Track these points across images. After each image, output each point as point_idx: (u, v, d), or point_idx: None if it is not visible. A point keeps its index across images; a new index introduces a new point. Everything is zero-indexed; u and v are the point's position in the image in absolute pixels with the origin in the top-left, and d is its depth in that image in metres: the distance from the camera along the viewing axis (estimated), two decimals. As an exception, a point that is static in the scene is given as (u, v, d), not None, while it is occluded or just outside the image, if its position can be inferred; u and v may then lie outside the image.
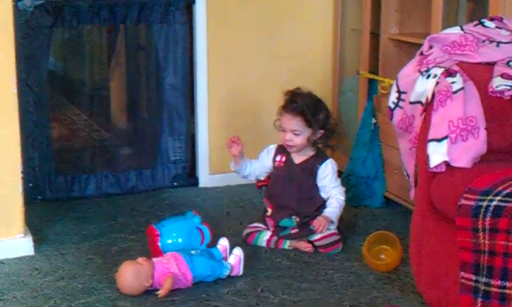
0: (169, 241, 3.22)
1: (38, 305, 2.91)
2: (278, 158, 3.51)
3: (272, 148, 3.55)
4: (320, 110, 3.43)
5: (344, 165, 4.28)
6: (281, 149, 3.52)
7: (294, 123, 3.41)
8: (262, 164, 3.55)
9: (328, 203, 3.46)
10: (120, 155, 4.59)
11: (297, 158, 3.49)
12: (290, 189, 3.45)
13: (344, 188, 3.54)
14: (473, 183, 2.53)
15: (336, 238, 3.43)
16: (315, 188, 3.46)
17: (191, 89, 4.35)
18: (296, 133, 3.41)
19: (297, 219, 3.44)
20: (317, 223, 3.38)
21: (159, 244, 3.21)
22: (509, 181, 2.48)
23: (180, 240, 3.23)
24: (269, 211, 3.51)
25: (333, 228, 3.43)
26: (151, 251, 3.25)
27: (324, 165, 3.46)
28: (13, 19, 3.23)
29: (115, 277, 3.04)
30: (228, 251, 3.21)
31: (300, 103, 3.40)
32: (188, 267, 3.04)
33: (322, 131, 3.44)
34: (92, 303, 2.93)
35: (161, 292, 2.96)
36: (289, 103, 3.43)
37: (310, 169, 3.46)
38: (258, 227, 3.50)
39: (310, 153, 3.48)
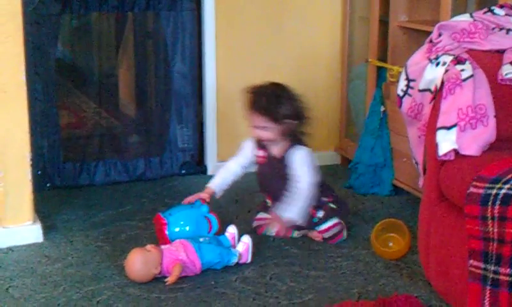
0: (177, 229, 3.23)
1: (47, 292, 2.92)
2: (259, 153, 3.47)
3: (250, 141, 3.49)
4: (283, 103, 3.33)
5: (352, 153, 4.28)
6: (260, 144, 3.46)
7: (258, 120, 3.34)
8: (245, 156, 3.50)
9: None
10: (128, 142, 4.60)
11: (276, 152, 3.43)
12: (279, 183, 3.42)
13: (310, 178, 3.38)
14: (482, 171, 2.53)
15: (338, 229, 3.41)
16: (289, 179, 3.41)
17: (199, 76, 4.34)
18: (264, 128, 3.35)
19: None
20: (277, 231, 3.40)
21: (167, 232, 3.22)
22: (519, 169, 2.48)
23: (187, 228, 3.24)
24: (269, 202, 3.50)
25: (321, 215, 3.41)
26: (158, 239, 3.26)
27: (297, 153, 3.39)
28: (21, 7, 3.23)
29: (124, 264, 3.05)
30: (236, 238, 3.21)
31: (260, 101, 3.33)
32: (197, 254, 3.04)
33: (292, 121, 3.35)
34: (101, 290, 2.94)
35: (170, 279, 2.97)
36: (251, 101, 3.36)
37: (288, 159, 3.40)
38: (267, 219, 3.49)
39: (286, 144, 3.41)
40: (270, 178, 3.45)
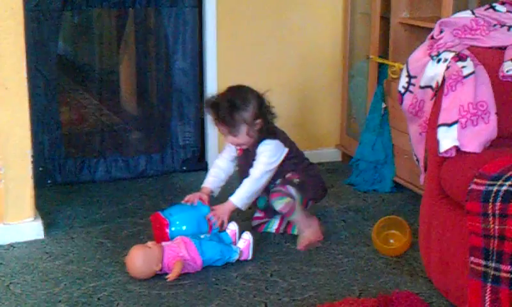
0: (177, 230, 3.21)
1: (48, 288, 2.92)
2: (238, 147, 3.47)
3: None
4: (240, 108, 3.29)
5: (353, 150, 4.28)
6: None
7: (224, 129, 3.35)
8: (229, 150, 3.50)
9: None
10: (129, 139, 4.59)
11: (250, 146, 3.42)
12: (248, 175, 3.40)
13: (265, 167, 3.33)
14: (483, 168, 2.52)
15: (290, 206, 3.33)
16: None
17: (201, 73, 4.34)
18: (233, 135, 3.34)
19: (265, 193, 3.40)
20: (214, 214, 3.30)
21: (168, 232, 3.21)
22: (520, 166, 2.48)
23: (187, 228, 3.22)
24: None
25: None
26: (156, 237, 3.24)
27: (259, 146, 3.36)
28: (22, 4, 3.23)
29: (125, 261, 3.05)
30: (237, 235, 3.21)
31: (219, 113, 3.31)
32: (197, 251, 3.05)
33: (259, 120, 3.32)
34: (102, 287, 2.94)
35: (171, 276, 2.97)
36: (211, 115, 3.36)
37: (254, 152, 3.39)
38: (264, 217, 3.49)
39: (258, 139, 3.38)
40: (244, 169, 3.43)
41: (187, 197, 3.40)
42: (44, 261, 3.17)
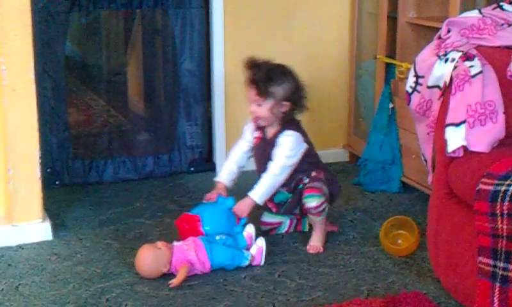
0: (210, 227, 3.20)
1: (56, 289, 2.93)
2: (255, 134, 3.44)
3: (251, 124, 3.46)
4: (279, 82, 3.28)
5: (360, 150, 4.27)
6: (258, 125, 3.43)
7: (251, 93, 3.31)
8: (246, 141, 3.48)
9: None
10: (137, 140, 4.60)
11: (269, 133, 3.39)
12: (265, 165, 3.37)
13: (285, 162, 3.31)
14: (491, 167, 2.52)
15: (323, 207, 3.32)
16: None
17: (208, 74, 4.34)
18: (258, 103, 3.30)
19: (286, 188, 3.39)
20: (237, 208, 3.28)
21: (200, 227, 3.19)
22: (528, 165, 2.47)
23: (219, 224, 3.21)
24: None
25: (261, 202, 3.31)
26: (184, 238, 3.19)
27: (282, 135, 3.33)
28: (30, 5, 3.24)
29: (133, 261, 3.06)
30: (253, 238, 3.20)
31: (256, 75, 3.29)
32: (207, 255, 3.04)
33: (287, 103, 3.30)
34: (110, 288, 2.95)
35: (174, 282, 2.95)
36: (248, 74, 3.33)
37: (275, 142, 3.35)
38: (273, 223, 3.47)
39: (278, 127, 3.36)
40: (260, 160, 3.41)
41: (207, 197, 3.39)
42: (52, 262, 3.18)
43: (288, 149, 3.32)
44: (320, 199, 3.29)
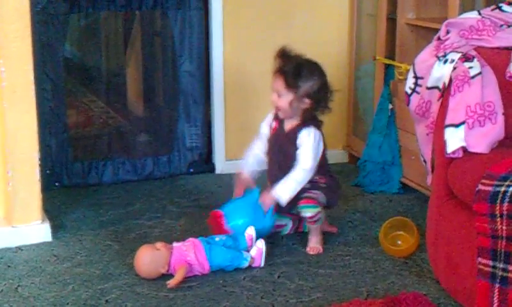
0: (234, 221, 3.21)
1: (55, 291, 2.93)
2: (272, 125, 3.42)
3: (269, 116, 3.46)
4: (305, 76, 3.27)
5: (360, 151, 4.27)
6: (276, 116, 3.41)
7: (276, 83, 3.30)
8: (264, 136, 3.47)
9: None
10: (136, 141, 4.60)
11: (287, 126, 3.37)
12: (277, 156, 3.38)
13: (311, 162, 3.29)
14: (490, 168, 2.52)
15: (319, 216, 3.32)
16: (295, 156, 3.34)
17: (207, 75, 4.34)
18: (279, 94, 3.29)
19: None
20: (262, 201, 3.27)
21: (223, 223, 3.20)
22: (527, 166, 2.47)
23: (243, 220, 3.21)
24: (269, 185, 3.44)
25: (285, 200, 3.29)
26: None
27: (303, 132, 3.32)
28: (29, 7, 3.24)
29: (133, 262, 3.06)
30: (254, 240, 3.20)
31: (285, 65, 3.29)
32: (206, 256, 3.04)
33: (308, 100, 3.29)
34: (109, 289, 2.95)
35: (172, 282, 2.95)
36: (278, 63, 3.32)
37: (292, 136, 3.33)
38: (277, 225, 3.43)
39: (297, 121, 3.35)
40: (272, 151, 3.40)
41: (236, 192, 3.41)
42: (52, 263, 3.18)
43: (312, 149, 3.30)
44: (316, 210, 3.29)
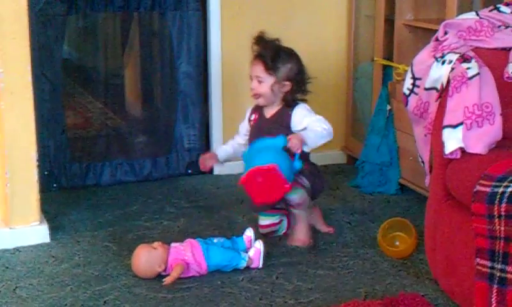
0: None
1: (53, 292, 2.93)
2: (252, 117, 3.45)
3: (248, 109, 3.50)
4: (283, 59, 3.32)
5: (358, 152, 4.28)
6: (255, 108, 3.45)
7: (255, 68, 3.34)
8: (242, 131, 3.50)
9: None
10: (134, 142, 4.60)
11: (268, 113, 3.40)
12: None
13: (327, 123, 3.33)
14: (488, 169, 2.52)
15: (306, 199, 3.32)
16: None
17: (205, 76, 4.35)
18: (259, 80, 3.32)
19: None
20: (292, 142, 3.21)
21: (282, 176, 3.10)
22: (525, 167, 2.47)
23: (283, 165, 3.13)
24: None
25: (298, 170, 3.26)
26: (267, 191, 3.13)
27: (295, 109, 3.34)
28: (27, 8, 3.24)
29: (131, 262, 3.06)
30: (252, 241, 3.20)
31: (263, 50, 3.34)
32: (203, 256, 3.04)
33: (288, 83, 3.32)
34: (108, 290, 2.94)
35: (167, 280, 2.96)
36: (255, 49, 3.37)
37: (280, 119, 3.35)
38: (272, 224, 3.43)
39: (278, 105, 3.37)
40: (255, 138, 3.38)
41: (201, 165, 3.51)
42: (50, 265, 3.18)
43: (316, 116, 3.33)
44: (302, 193, 3.30)
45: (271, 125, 3.36)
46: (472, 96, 2.72)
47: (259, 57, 3.34)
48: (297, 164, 3.22)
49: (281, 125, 3.34)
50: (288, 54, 3.37)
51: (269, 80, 3.32)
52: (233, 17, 4.27)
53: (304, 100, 3.42)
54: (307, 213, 3.37)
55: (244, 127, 3.51)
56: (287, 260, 3.22)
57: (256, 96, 3.37)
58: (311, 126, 3.31)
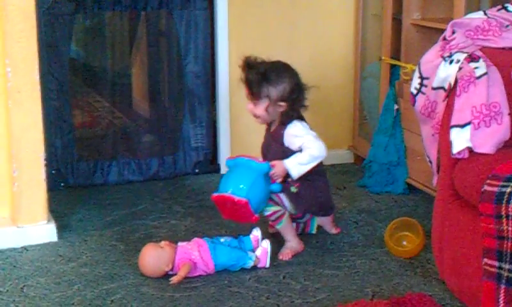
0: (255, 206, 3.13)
1: (61, 291, 2.93)
2: (254, 117, 3.40)
3: None
4: (273, 82, 3.23)
5: (365, 151, 4.27)
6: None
7: (247, 94, 3.30)
8: None
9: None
10: (141, 141, 4.60)
11: (272, 128, 3.37)
12: (266, 156, 3.35)
13: (317, 145, 3.23)
14: (496, 169, 2.52)
15: (280, 213, 3.28)
16: (284, 154, 3.25)
17: (212, 75, 4.35)
18: (254, 103, 3.28)
19: None
20: (274, 172, 3.20)
21: (251, 209, 3.10)
22: (533, 167, 2.47)
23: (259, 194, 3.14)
24: None
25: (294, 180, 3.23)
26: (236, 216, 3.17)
27: (287, 129, 3.27)
28: (35, 7, 3.24)
29: (138, 261, 3.07)
30: (260, 240, 3.19)
31: (250, 75, 3.27)
32: (210, 255, 3.04)
33: (283, 103, 3.25)
34: (115, 289, 2.95)
35: (175, 279, 2.97)
36: (243, 73, 3.31)
37: (277, 136, 3.31)
38: (276, 211, 3.35)
39: (278, 123, 3.33)
40: (264, 152, 3.39)
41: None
42: (57, 263, 3.18)
43: (307, 134, 3.25)
44: (272, 208, 3.25)
45: (271, 141, 3.35)
46: (480, 96, 2.71)
47: (245, 83, 3.28)
48: (276, 187, 3.21)
49: (277, 141, 3.31)
50: (278, 74, 3.27)
51: (262, 104, 3.26)
52: (240, 16, 4.27)
53: (300, 118, 3.33)
54: (287, 229, 3.30)
55: None
56: (294, 260, 3.22)
57: (255, 116, 3.34)
58: (300, 152, 3.25)
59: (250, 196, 3.09)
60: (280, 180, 3.23)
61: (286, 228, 3.30)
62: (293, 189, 3.27)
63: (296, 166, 3.22)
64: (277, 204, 3.26)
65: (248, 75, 3.28)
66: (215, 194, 3.18)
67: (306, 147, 3.23)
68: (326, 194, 3.41)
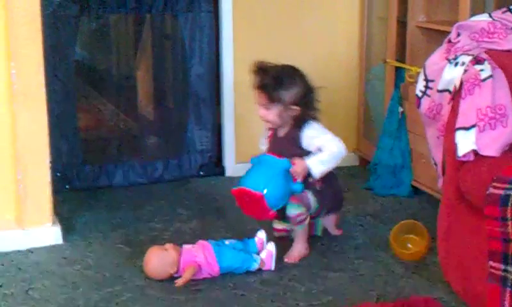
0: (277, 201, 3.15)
1: (66, 293, 2.94)
2: (268, 133, 3.42)
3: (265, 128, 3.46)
4: (286, 86, 3.24)
5: (371, 154, 4.27)
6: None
7: (260, 98, 3.29)
8: (262, 142, 3.48)
9: None
10: (146, 144, 4.61)
11: (280, 132, 3.36)
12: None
13: (336, 144, 3.27)
14: (501, 171, 2.51)
15: (304, 216, 3.27)
16: (301, 157, 3.25)
17: (217, 78, 4.35)
18: (266, 108, 3.28)
19: None
20: (294, 169, 3.20)
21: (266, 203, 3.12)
22: (539, 170, 2.46)
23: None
24: None
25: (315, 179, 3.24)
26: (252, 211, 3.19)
27: (305, 131, 3.28)
28: (40, 10, 3.25)
29: (143, 264, 3.07)
30: (265, 243, 3.19)
31: (263, 80, 3.27)
32: (215, 257, 3.04)
33: (296, 107, 3.26)
34: (120, 291, 2.95)
35: (179, 281, 2.97)
36: (255, 78, 3.30)
37: (292, 138, 3.31)
38: (285, 230, 3.40)
39: (289, 126, 3.32)
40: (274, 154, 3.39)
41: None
42: (63, 266, 3.18)
43: (325, 133, 3.28)
44: (299, 210, 3.24)
45: (283, 144, 3.34)
46: (485, 98, 2.71)
47: (261, 88, 3.27)
48: (297, 187, 3.21)
49: (293, 143, 3.31)
50: (291, 77, 3.28)
51: (275, 108, 3.26)
52: (245, 19, 4.28)
53: (314, 118, 3.34)
54: (303, 233, 3.30)
55: (263, 141, 3.48)
56: (299, 262, 3.22)
57: (267, 122, 3.34)
58: (326, 147, 3.26)
59: (267, 190, 3.10)
60: (300, 178, 3.22)
61: (303, 232, 3.30)
62: (318, 187, 3.30)
63: (317, 165, 3.23)
64: (302, 202, 3.24)
65: (263, 80, 3.27)
66: (234, 188, 3.19)
67: (326, 146, 3.25)
68: (341, 190, 3.50)
